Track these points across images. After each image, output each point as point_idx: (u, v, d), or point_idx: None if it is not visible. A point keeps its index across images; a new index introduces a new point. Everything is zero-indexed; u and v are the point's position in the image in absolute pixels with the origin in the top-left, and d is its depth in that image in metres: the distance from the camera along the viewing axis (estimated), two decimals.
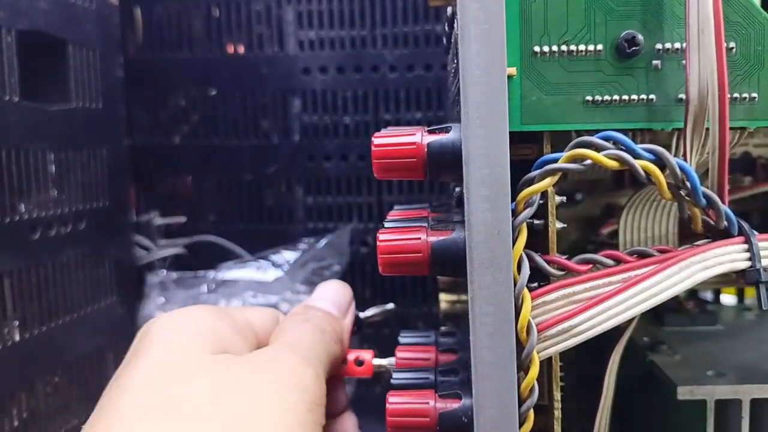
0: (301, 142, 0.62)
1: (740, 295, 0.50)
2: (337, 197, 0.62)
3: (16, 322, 0.46)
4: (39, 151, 0.48)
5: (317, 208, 0.63)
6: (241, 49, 0.62)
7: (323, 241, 0.59)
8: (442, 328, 0.40)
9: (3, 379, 0.44)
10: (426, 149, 0.26)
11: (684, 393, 0.31)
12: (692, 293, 0.47)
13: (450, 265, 0.26)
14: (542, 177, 0.25)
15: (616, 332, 0.34)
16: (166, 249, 0.60)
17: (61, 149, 0.51)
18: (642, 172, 0.25)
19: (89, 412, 0.53)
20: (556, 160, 0.25)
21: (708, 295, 0.50)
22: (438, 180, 0.28)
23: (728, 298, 0.51)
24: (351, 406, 0.57)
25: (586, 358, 0.39)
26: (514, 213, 0.25)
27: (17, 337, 0.46)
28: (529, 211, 0.25)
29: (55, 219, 0.50)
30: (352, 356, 0.36)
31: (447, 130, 0.26)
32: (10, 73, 0.45)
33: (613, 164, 0.25)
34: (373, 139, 0.27)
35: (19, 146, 0.46)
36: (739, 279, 0.27)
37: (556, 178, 0.25)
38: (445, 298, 0.42)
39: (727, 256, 0.26)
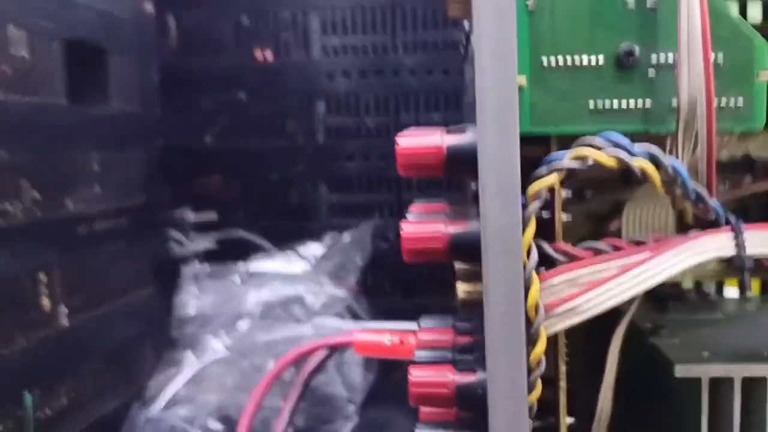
0: (325, 143, 0.65)
1: (743, 288, 0.53)
2: (359, 195, 0.66)
3: (64, 310, 0.50)
4: (83, 151, 0.52)
5: (340, 205, 0.66)
6: (269, 55, 0.65)
7: (346, 236, 0.62)
8: (459, 314, 0.42)
9: (53, 362, 0.48)
10: (445, 149, 0.29)
11: (680, 371, 0.33)
12: (696, 285, 0.49)
13: (467, 252, 0.29)
14: (548, 173, 0.28)
15: (618, 317, 0.37)
16: (198, 243, 0.64)
17: (102, 149, 0.54)
18: (638, 170, 0.28)
19: (128, 395, 0.57)
20: (561, 158, 0.28)
21: (712, 288, 0.52)
22: (456, 176, 0.31)
23: (731, 291, 0.54)
24: (372, 393, 0.60)
25: (592, 345, 0.42)
26: (524, 206, 0.28)
27: (65, 324, 0.50)
28: (537, 204, 0.28)
29: (99, 215, 0.54)
30: (397, 338, 0.39)
31: (464, 131, 0.29)
32: (58, 78, 0.49)
33: (612, 162, 0.28)
34: (396, 139, 0.31)
35: (66, 147, 0.50)
36: (728, 267, 0.30)
37: (561, 174, 0.28)
38: (462, 288, 0.45)
39: (715, 244, 0.29)
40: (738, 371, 0.33)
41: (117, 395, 0.56)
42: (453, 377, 0.30)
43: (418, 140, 0.30)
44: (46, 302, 0.48)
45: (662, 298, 0.44)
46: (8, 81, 0.44)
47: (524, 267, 0.27)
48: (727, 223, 0.29)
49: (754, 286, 0.53)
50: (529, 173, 0.29)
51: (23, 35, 0.46)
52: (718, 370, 0.33)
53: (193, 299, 0.60)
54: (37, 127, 0.47)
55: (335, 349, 0.42)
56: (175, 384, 0.56)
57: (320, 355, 0.42)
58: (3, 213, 0.44)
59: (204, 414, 0.54)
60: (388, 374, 0.64)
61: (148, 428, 0.54)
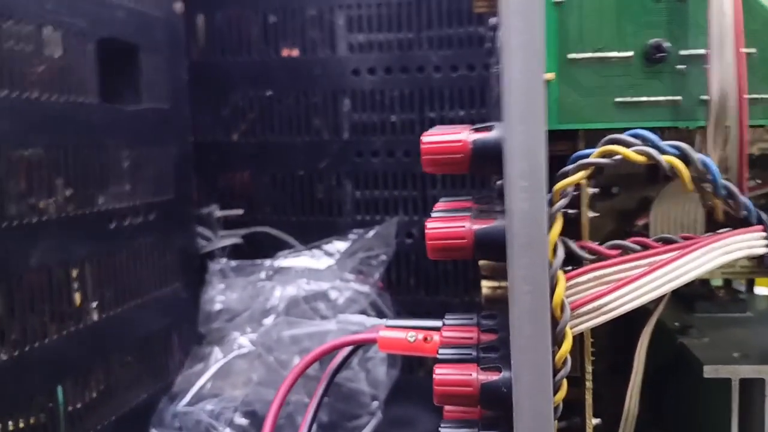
0: (350, 139, 0.66)
1: None
2: (383, 191, 0.66)
3: (95, 304, 0.51)
4: (115, 149, 0.53)
5: (365, 201, 0.66)
6: (296, 53, 0.66)
7: (371, 233, 0.63)
8: (484, 312, 0.42)
9: (84, 355, 0.49)
10: (471, 146, 0.29)
11: (709, 371, 0.33)
12: (726, 283, 0.49)
13: (491, 250, 0.29)
14: (576, 171, 0.28)
15: (645, 317, 0.36)
16: (225, 239, 0.65)
17: (133, 146, 0.55)
18: (667, 166, 0.27)
19: (156, 389, 0.57)
20: (588, 156, 0.28)
21: (741, 287, 0.52)
22: (480, 173, 0.31)
23: (762, 290, 0.53)
24: (396, 390, 0.61)
25: (618, 344, 0.41)
26: (550, 203, 0.28)
27: (96, 317, 0.51)
28: (564, 202, 0.28)
29: (129, 210, 0.54)
30: (421, 335, 0.39)
31: (490, 129, 0.29)
32: (91, 77, 0.50)
33: (641, 159, 0.27)
34: (422, 137, 0.31)
35: (98, 144, 0.51)
36: (758, 265, 0.29)
37: (588, 171, 0.28)
38: (486, 285, 0.44)
39: (745, 243, 0.28)
40: None
41: (145, 389, 0.57)
42: (477, 376, 0.30)
43: (443, 137, 0.30)
44: (77, 297, 0.49)
45: (691, 297, 0.43)
46: (43, 80, 0.45)
47: (550, 265, 0.27)
48: (759, 220, 0.29)
49: None
50: (556, 170, 0.28)
51: (58, 35, 0.47)
52: (749, 371, 0.33)
53: (219, 295, 0.61)
54: (71, 124, 0.48)
55: (360, 346, 0.42)
56: (202, 379, 0.56)
57: (345, 351, 0.42)
58: (37, 209, 0.45)
59: (230, 409, 0.55)
60: (412, 371, 0.64)
61: (175, 422, 0.55)
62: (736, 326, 0.40)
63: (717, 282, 0.48)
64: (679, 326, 0.40)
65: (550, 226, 0.27)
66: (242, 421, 0.54)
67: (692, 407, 0.38)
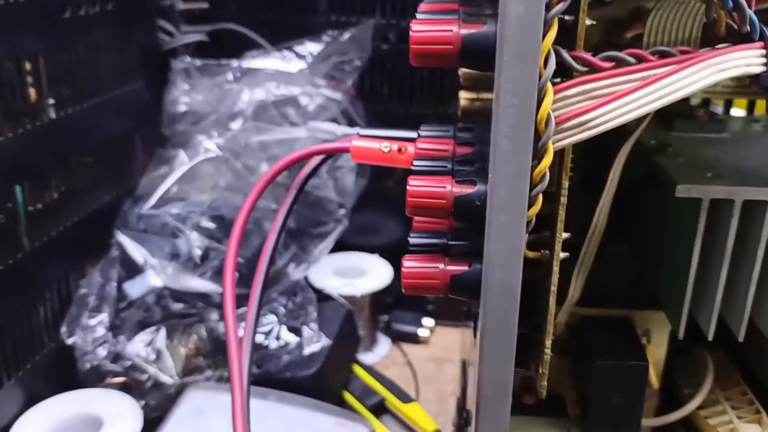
0: None
1: (750, 108, 0.51)
2: None
3: (51, 101, 0.48)
4: None
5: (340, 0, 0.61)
6: None
7: (346, 35, 0.59)
8: (460, 124, 0.41)
9: (41, 155, 0.47)
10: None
11: (682, 191, 0.33)
12: (705, 102, 0.48)
13: (478, 57, 0.27)
14: None
15: (625, 134, 0.36)
16: (188, 35, 0.60)
17: None
18: None
19: (119, 191, 0.57)
20: None
21: (719, 109, 0.51)
22: None
23: (738, 112, 0.53)
24: (363, 198, 0.60)
25: (591, 159, 0.41)
26: (548, 7, 0.25)
27: (53, 115, 0.48)
28: (563, 6, 0.25)
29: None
30: (396, 146, 0.36)
31: None
32: None
33: None
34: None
35: None
36: (752, 85, 0.28)
37: None
38: (465, 96, 0.43)
39: (743, 60, 0.27)
40: (740, 194, 0.33)
41: (108, 191, 0.56)
42: (452, 188, 0.30)
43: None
44: (32, 92, 0.46)
45: (669, 115, 0.42)
46: None
47: (540, 76, 0.25)
48: (761, 37, 0.27)
49: (760, 106, 0.52)
50: None
51: None
52: (720, 191, 0.33)
53: (183, 96, 0.58)
54: None
55: (331, 155, 0.41)
56: (167, 182, 0.55)
57: (315, 160, 0.41)
58: None
59: (196, 213, 0.55)
60: (381, 181, 0.64)
61: (140, 224, 0.54)
62: (712, 146, 0.40)
63: (696, 101, 0.47)
64: (655, 144, 0.39)
65: (546, 33, 0.25)
66: (209, 224, 0.54)
67: (660, 224, 0.39)
